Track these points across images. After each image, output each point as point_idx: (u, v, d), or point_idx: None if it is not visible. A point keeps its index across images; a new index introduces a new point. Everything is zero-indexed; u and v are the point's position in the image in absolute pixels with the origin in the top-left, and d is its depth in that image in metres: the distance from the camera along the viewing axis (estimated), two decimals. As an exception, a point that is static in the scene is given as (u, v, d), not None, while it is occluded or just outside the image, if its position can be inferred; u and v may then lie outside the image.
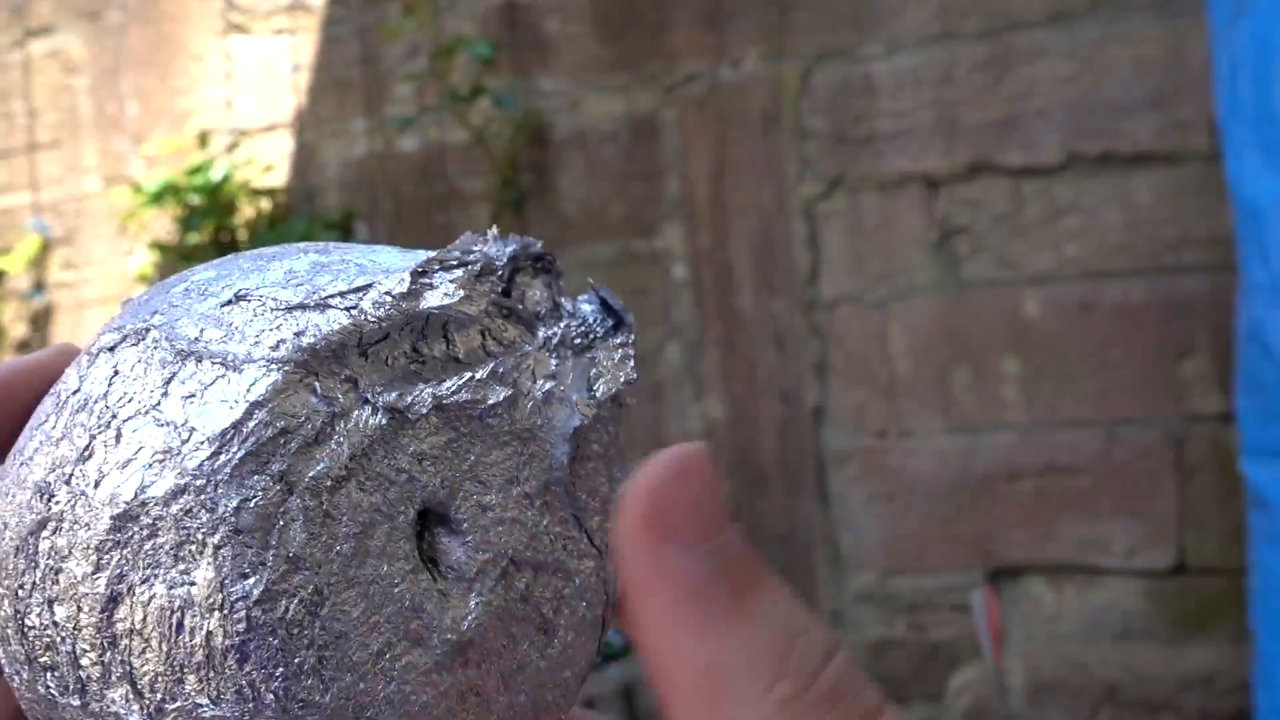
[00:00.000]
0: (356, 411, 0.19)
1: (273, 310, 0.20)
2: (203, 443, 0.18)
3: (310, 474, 0.18)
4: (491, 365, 0.20)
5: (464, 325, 0.20)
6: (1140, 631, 1.36)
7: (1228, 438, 1.27)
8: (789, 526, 1.53)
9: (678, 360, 1.58)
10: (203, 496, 0.18)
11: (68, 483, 0.19)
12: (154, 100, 1.94)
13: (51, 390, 0.21)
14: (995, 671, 1.37)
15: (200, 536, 0.18)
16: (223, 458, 0.18)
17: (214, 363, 0.19)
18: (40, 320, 2.03)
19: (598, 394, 0.21)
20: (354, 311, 0.19)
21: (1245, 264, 1.07)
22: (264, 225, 1.83)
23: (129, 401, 0.19)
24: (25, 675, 0.20)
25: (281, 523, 0.18)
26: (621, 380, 0.22)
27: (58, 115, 2.00)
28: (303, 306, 0.20)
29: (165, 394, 0.19)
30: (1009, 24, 1.39)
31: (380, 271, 0.21)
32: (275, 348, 0.19)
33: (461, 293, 0.20)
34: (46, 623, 0.19)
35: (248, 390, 0.19)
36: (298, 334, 0.19)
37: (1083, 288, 1.37)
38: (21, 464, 0.20)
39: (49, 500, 0.19)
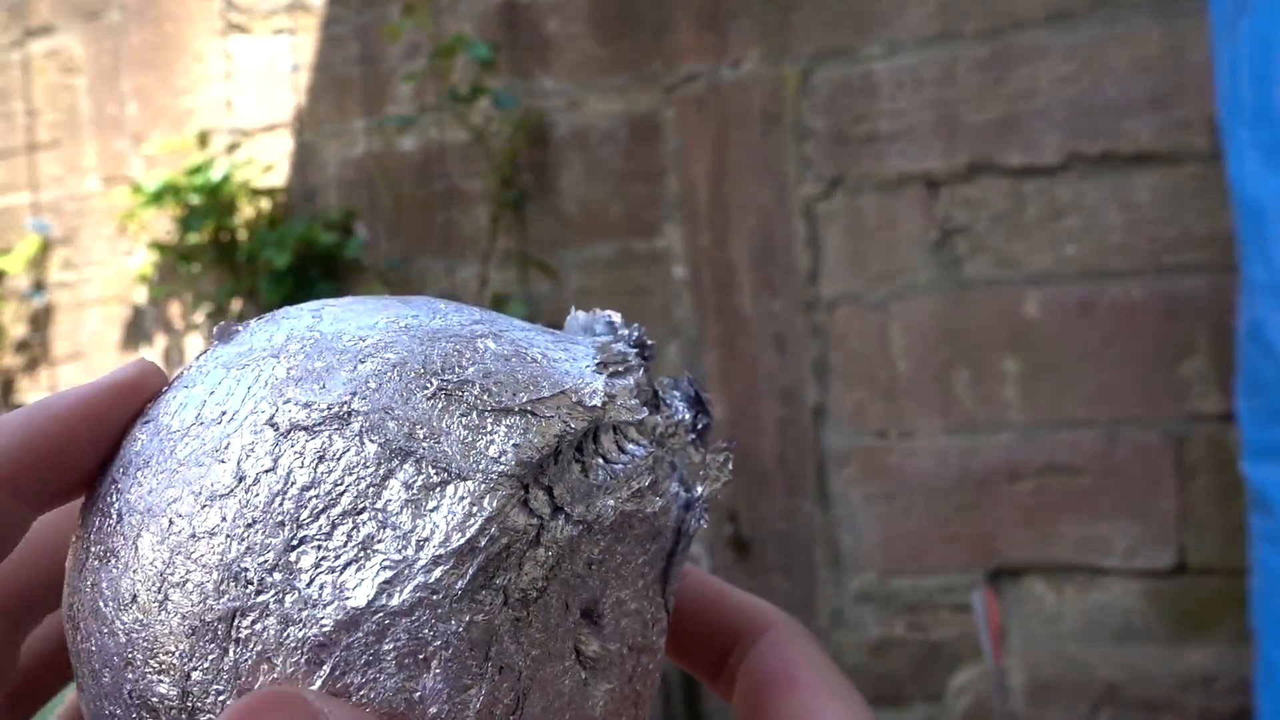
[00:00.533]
0: (554, 523, 0.20)
1: (481, 412, 0.20)
2: (439, 557, 0.18)
3: (521, 585, 0.19)
4: (650, 476, 0.22)
5: (629, 429, 0.22)
6: (1140, 631, 1.36)
7: (1228, 438, 1.27)
8: (789, 526, 1.53)
9: (678, 360, 1.58)
10: (440, 610, 0.18)
11: (272, 572, 0.18)
12: (154, 100, 1.94)
13: (215, 450, 0.20)
14: (995, 671, 1.37)
15: (432, 649, 0.18)
16: (457, 573, 0.18)
17: (435, 468, 0.19)
18: (40, 320, 2.03)
19: (703, 494, 0.23)
20: (559, 420, 0.20)
21: (1246, 264, 1.07)
22: (264, 225, 1.83)
23: (344, 494, 0.19)
24: None
25: (498, 634, 0.19)
26: (721, 484, 0.24)
27: (57, 115, 2.00)
28: (510, 410, 0.20)
29: (386, 493, 0.19)
30: (1009, 24, 1.39)
31: (563, 371, 0.21)
32: (498, 459, 0.19)
33: (637, 402, 0.22)
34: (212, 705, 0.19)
35: (480, 504, 0.19)
36: (516, 446, 0.19)
37: (1083, 288, 1.37)
38: (192, 536, 0.19)
39: (246, 586, 0.18)
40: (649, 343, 0.24)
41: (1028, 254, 1.39)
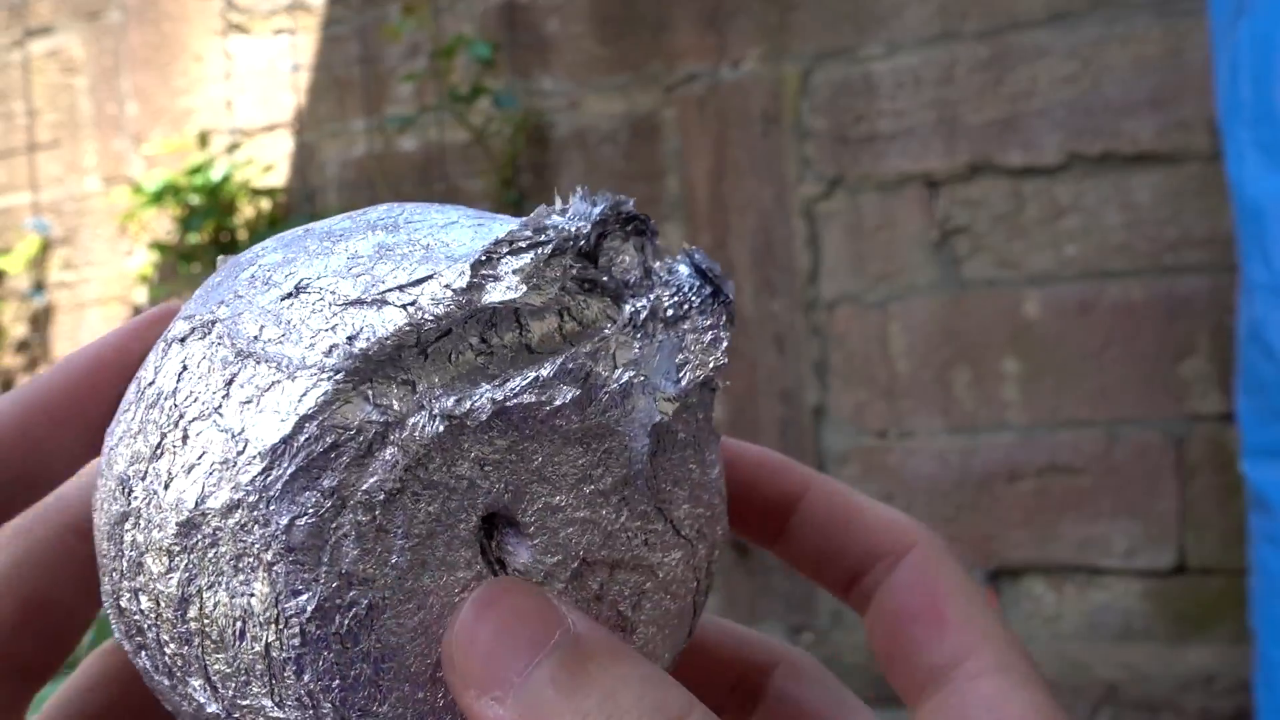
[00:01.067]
0: (412, 419, 0.18)
1: (330, 306, 0.19)
2: (255, 456, 0.18)
3: (363, 487, 0.18)
4: (561, 360, 0.19)
5: (538, 310, 0.19)
6: (1140, 631, 1.36)
7: (1228, 438, 1.27)
8: (789, 526, 1.52)
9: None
10: (256, 512, 0.18)
11: (143, 479, 0.19)
12: (154, 100, 1.94)
13: (135, 375, 0.21)
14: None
15: (255, 551, 0.18)
16: (274, 473, 0.18)
17: (270, 366, 0.19)
18: (40, 320, 2.03)
19: (682, 382, 0.20)
20: (411, 309, 0.19)
21: (1246, 264, 1.07)
22: (264, 225, 1.83)
23: (194, 401, 0.19)
24: (128, 648, 0.20)
25: (334, 539, 0.18)
26: (710, 367, 0.21)
27: (57, 115, 2.00)
28: (359, 303, 0.19)
29: (226, 396, 0.19)
30: (1009, 24, 1.39)
31: (444, 258, 0.19)
32: (328, 353, 0.18)
33: (527, 285, 0.19)
34: (134, 609, 0.19)
35: (298, 401, 0.18)
36: (350, 338, 0.18)
37: (1083, 288, 1.37)
38: (110, 449, 0.20)
39: (129, 495, 0.19)
40: (643, 217, 0.21)
41: (1028, 254, 1.39)
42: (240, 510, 0.18)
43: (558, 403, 0.19)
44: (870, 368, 1.48)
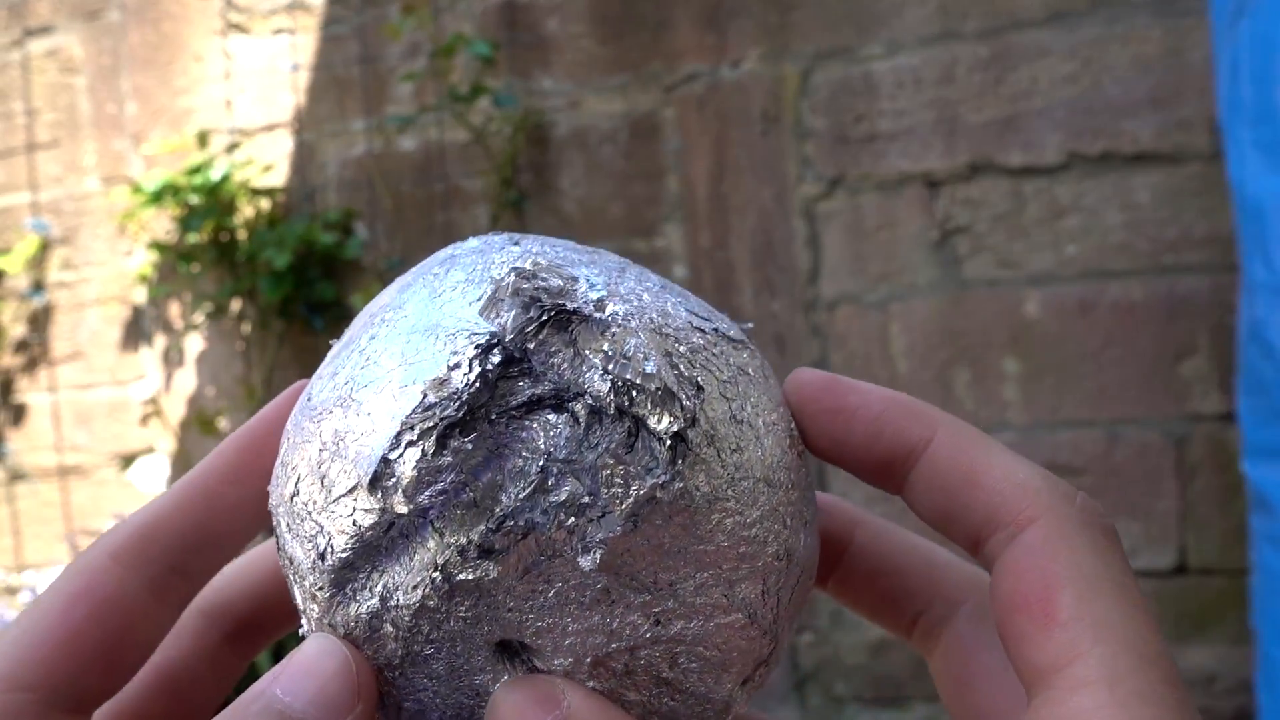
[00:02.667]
0: (393, 600, 0.22)
1: (311, 515, 0.23)
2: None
3: (384, 654, 0.23)
4: (484, 526, 0.21)
5: (457, 488, 0.22)
6: (1141, 632, 1.36)
7: (1228, 438, 1.27)
8: (789, 527, 1.52)
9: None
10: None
11: None
12: (153, 100, 1.93)
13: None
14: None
15: None
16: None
17: (290, 572, 0.24)
18: (39, 320, 2.03)
19: (619, 511, 0.21)
20: (352, 523, 0.22)
21: (1246, 263, 1.07)
22: (264, 225, 1.83)
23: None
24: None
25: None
26: (649, 486, 0.21)
27: (57, 115, 2.00)
28: (323, 511, 0.23)
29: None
30: (1009, 23, 1.39)
31: (355, 460, 0.22)
32: (320, 559, 0.23)
33: (428, 480, 0.21)
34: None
35: (312, 605, 0.24)
36: (321, 555, 0.23)
37: (1083, 288, 1.37)
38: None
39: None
40: (539, 318, 0.21)
41: (1028, 254, 1.39)
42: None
43: (508, 561, 0.21)
44: (870, 368, 1.47)
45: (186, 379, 1.93)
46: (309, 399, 0.24)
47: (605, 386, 0.21)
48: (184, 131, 1.88)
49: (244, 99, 1.87)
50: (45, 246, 2.01)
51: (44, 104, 2.00)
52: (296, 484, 0.23)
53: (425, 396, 0.21)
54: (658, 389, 0.21)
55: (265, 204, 1.84)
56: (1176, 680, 0.19)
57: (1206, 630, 1.33)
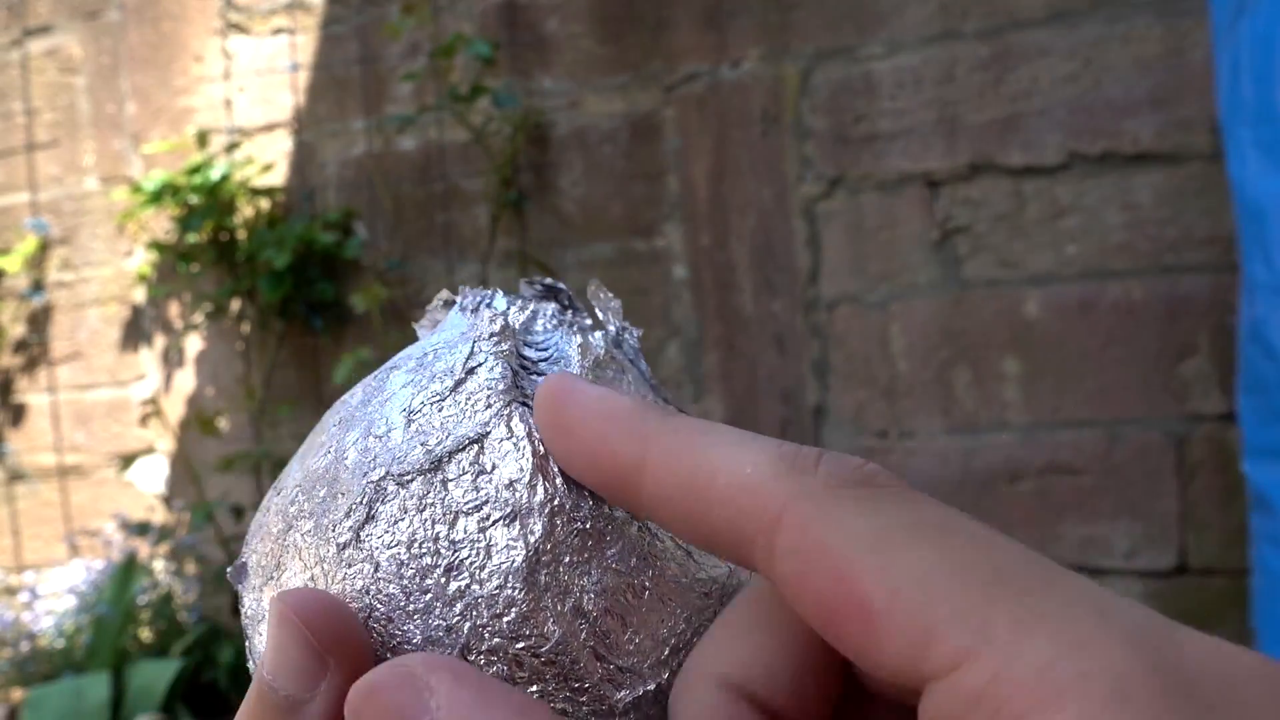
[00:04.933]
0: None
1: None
2: None
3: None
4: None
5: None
6: (1141, 632, 1.36)
7: (1229, 438, 1.27)
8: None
9: (678, 360, 1.58)
10: None
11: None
12: (153, 100, 1.93)
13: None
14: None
15: None
16: None
17: None
18: (39, 320, 2.02)
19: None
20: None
21: (1246, 263, 1.06)
22: (263, 225, 1.82)
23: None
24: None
25: None
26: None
27: (56, 114, 2.00)
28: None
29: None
30: (1009, 23, 1.39)
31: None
32: None
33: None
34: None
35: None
36: None
37: (1083, 288, 1.37)
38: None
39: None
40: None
41: (1028, 254, 1.39)
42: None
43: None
44: (870, 368, 1.47)
45: (186, 379, 1.92)
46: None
47: None
48: (184, 131, 1.88)
49: (244, 99, 1.87)
50: (45, 246, 2.01)
51: (44, 104, 2.00)
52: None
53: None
54: None
55: (265, 204, 1.84)
56: (1040, 571, 0.16)
57: (1206, 630, 1.32)
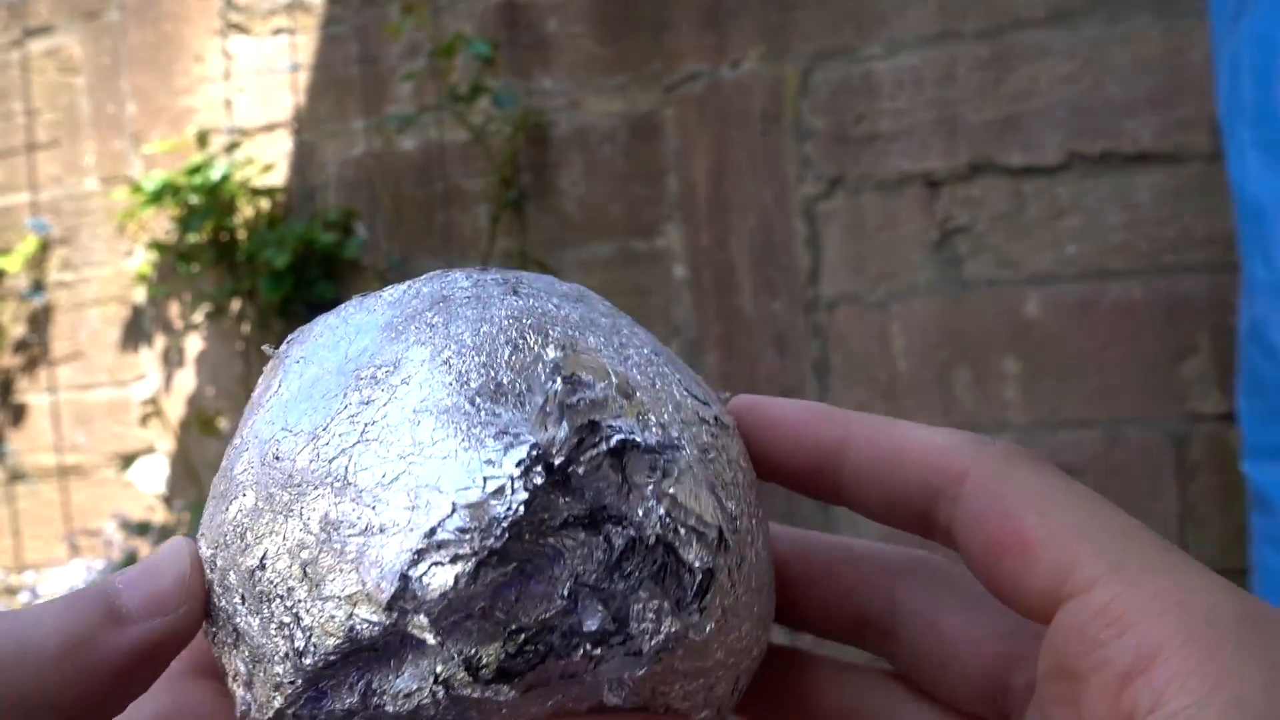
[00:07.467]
0: (375, 700, 0.22)
1: (284, 613, 0.21)
2: None
3: None
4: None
5: (466, 625, 0.21)
6: (1141, 632, 1.36)
7: (1229, 438, 1.27)
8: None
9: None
10: None
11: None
12: (153, 100, 1.93)
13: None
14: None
15: None
16: None
17: (259, 665, 0.22)
18: (39, 320, 2.03)
19: (651, 647, 0.20)
20: (349, 626, 0.20)
21: (1247, 263, 1.06)
22: (263, 225, 1.83)
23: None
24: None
25: None
26: (680, 626, 0.20)
27: (56, 115, 2.00)
28: (312, 603, 0.21)
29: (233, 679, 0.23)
30: (1009, 23, 1.39)
31: (372, 566, 0.20)
32: (289, 658, 0.21)
33: (449, 613, 0.20)
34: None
35: (274, 695, 0.21)
36: (300, 652, 0.20)
37: (1083, 288, 1.37)
38: None
39: None
40: (600, 447, 0.20)
41: (1028, 254, 1.39)
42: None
43: (523, 685, 0.20)
44: (870, 368, 1.47)
45: (186, 379, 1.93)
46: (276, 455, 0.21)
47: (657, 527, 0.20)
48: (184, 131, 1.88)
49: (244, 99, 1.87)
50: (45, 246, 2.01)
51: (44, 104, 2.00)
52: (262, 558, 0.20)
53: (455, 511, 0.19)
54: (713, 538, 0.21)
55: (265, 204, 1.84)
56: (1161, 542, 0.20)
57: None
